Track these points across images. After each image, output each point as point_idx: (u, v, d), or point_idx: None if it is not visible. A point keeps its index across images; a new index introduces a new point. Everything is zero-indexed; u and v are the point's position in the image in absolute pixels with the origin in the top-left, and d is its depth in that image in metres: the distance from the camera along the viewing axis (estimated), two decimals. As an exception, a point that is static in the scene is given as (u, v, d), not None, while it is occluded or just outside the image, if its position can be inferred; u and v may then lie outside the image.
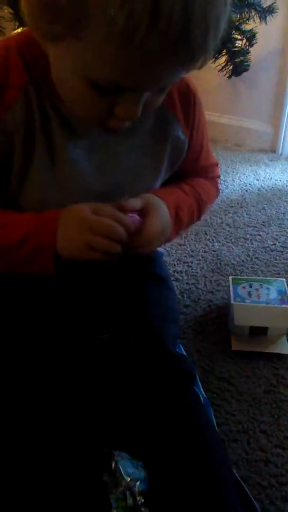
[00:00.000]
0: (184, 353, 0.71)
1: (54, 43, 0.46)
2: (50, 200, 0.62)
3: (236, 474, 0.60)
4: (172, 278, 1.07)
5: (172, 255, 1.16)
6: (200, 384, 0.71)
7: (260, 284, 0.94)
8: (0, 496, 0.54)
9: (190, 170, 0.76)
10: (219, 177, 0.84)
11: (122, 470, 0.51)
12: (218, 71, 1.42)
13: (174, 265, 1.13)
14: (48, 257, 0.58)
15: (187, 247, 1.20)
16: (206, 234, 1.27)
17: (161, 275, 0.80)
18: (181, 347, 0.72)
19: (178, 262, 1.14)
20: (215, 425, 0.67)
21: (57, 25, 0.42)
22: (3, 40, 0.59)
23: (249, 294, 0.92)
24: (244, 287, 0.94)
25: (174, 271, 1.10)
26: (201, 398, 0.65)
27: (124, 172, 0.66)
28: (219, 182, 0.84)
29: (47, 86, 0.55)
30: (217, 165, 0.82)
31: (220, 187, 0.85)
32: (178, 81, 0.53)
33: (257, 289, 0.93)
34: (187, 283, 1.06)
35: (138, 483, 0.50)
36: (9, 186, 0.62)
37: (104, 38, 0.40)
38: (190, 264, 1.13)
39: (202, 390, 0.69)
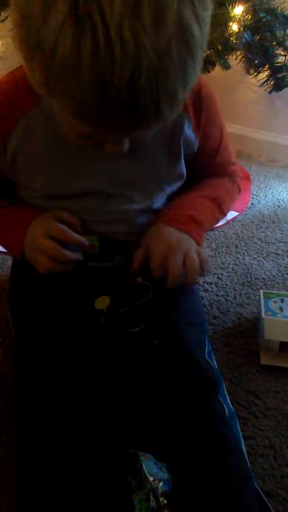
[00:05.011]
0: (212, 361, 0.70)
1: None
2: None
3: (258, 488, 0.59)
4: (202, 289, 1.06)
5: (202, 266, 1.16)
6: (226, 394, 0.70)
7: (292, 300, 0.93)
8: (26, 495, 0.54)
9: (208, 164, 0.78)
10: (238, 176, 0.84)
11: (146, 470, 0.50)
12: (259, 86, 1.42)
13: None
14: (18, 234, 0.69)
15: (217, 259, 1.20)
16: (237, 247, 1.26)
17: None
18: (212, 355, 0.71)
19: (208, 273, 1.13)
20: (241, 436, 0.66)
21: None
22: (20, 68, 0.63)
23: (281, 309, 0.90)
24: (275, 302, 0.92)
25: (203, 282, 1.09)
26: (226, 408, 0.64)
27: (140, 169, 0.69)
28: (238, 180, 0.84)
29: None
30: (236, 164, 0.83)
31: (240, 185, 0.85)
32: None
33: (288, 304, 0.92)
34: (217, 295, 1.05)
35: (161, 484, 0.50)
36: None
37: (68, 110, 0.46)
38: (220, 276, 1.13)
39: (228, 401, 0.68)
